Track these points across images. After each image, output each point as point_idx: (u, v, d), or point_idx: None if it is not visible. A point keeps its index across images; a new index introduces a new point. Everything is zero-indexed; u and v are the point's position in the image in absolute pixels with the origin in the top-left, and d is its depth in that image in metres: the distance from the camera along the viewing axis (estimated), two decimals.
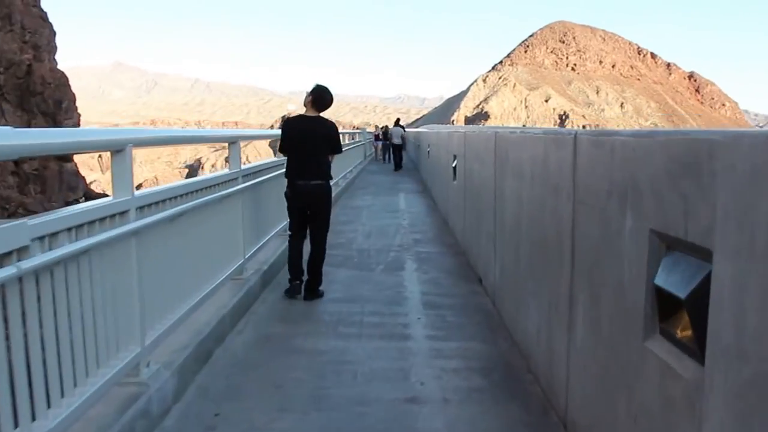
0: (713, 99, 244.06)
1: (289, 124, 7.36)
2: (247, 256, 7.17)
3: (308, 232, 7.32)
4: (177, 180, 6.80)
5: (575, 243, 3.75)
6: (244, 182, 7.07)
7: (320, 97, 7.15)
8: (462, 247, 9.81)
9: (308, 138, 7.06)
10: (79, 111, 29.20)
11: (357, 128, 66.08)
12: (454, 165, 11.00)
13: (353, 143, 27.27)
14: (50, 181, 24.32)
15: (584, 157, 3.63)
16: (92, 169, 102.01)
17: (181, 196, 5.16)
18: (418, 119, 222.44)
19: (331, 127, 7.31)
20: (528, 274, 5.14)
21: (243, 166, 7.25)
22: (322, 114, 7.22)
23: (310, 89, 7.27)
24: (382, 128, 43.88)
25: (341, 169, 19.26)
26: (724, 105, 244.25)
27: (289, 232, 7.43)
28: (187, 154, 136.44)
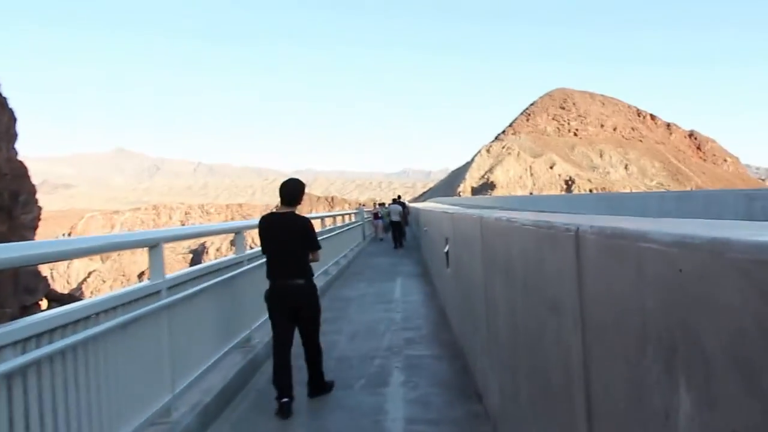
0: (715, 155, 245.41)
1: (261, 223, 7.12)
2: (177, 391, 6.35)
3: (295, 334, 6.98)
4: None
5: (591, 390, 2.53)
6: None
7: (288, 192, 7.04)
8: (460, 346, 8.45)
9: (282, 236, 6.91)
10: (39, 204, 27.28)
11: (361, 205, 63.12)
12: (446, 250, 9.73)
13: (347, 225, 25.66)
14: (4, 283, 22.05)
15: (593, 267, 2.44)
16: (92, 259, 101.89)
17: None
18: (424, 192, 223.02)
19: (302, 224, 7.02)
20: (529, 410, 3.83)
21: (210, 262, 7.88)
22: (296, 210, 7.11)
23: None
24: (380, 205, 42.65)
25: (330, 257, 17.77)
26: (726, 161, 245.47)
27: (272, 341, 6.95)
28: (191, 239, 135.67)
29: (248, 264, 8.62)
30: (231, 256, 8.60)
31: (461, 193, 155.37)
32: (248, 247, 9.11)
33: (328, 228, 19.71)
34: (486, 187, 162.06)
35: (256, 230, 7.14)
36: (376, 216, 38.62)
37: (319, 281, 14.33)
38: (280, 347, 6.78)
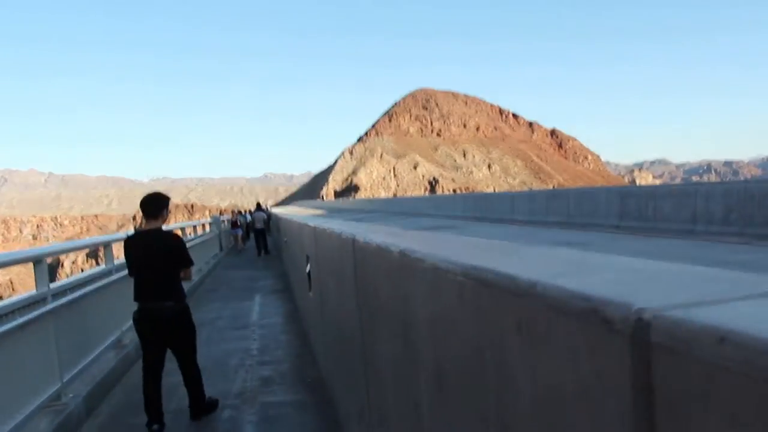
0: (576, 153, 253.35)
1: (126, 243, 6.76)
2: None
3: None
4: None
5: None
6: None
7: (149, 205, 6.64)
8: (328, 388, 6.90)
9: (148, 255, 6.51)
10: None
11: (221, 212, 59.62)
12: (308, 270, 8.09)
13: (201, 237, 23.18)
14: None
15: None
16: None
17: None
18: (286, 197, 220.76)
19: (169, 240, 6.64)
20: None
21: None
22: (161, 224, 6.71)
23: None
24: (238, 213, 40.13)
25: None
26: (586, 158, 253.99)
27: (143, 366, 6.54)
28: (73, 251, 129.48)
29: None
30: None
31: (324, 197, 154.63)
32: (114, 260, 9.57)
33: None
34: (350, 189, 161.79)
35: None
36: (234, 224, 35.20)
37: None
38: (151, 372, 6.45)
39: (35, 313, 6.21)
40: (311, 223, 7.41)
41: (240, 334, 11.14)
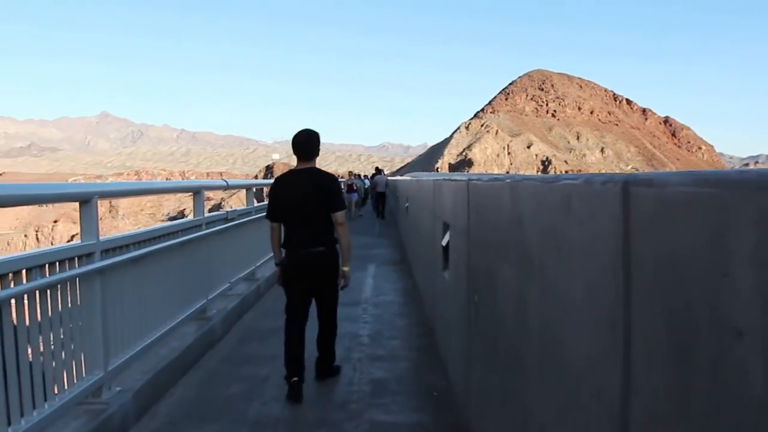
0: (689, 143, 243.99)
1: (277, 183, 6.12)
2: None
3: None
4: None
5: None
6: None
7: (302, 144, 5.95)
8: (462, 409, 4.84)
9: (300, 196, 5.83)
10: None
11: (340, 177, 55.86)
12: (445, 242, 6.08)
13: None
14: None
15: None
16: (75, 222, 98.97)
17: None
18: (402, 167, 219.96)
19: (326, 179, 6.02)
20: None
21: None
22: (315, 164, 6.06)
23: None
24: (355, 176, 36.81)
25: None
26: (700, 148, 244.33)
27: (285, 315, 5.98)
28: (171, 205, 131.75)
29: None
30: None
31: (439, 169, 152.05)
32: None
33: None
34: (463, 164, 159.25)
35: (235, 196, 5.02)
36: (350, 188, 30.48)
37: (267, 271, 10.80)
38: (294, 322, 5.92)
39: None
40: (459, 178, 5.33)
41: (349, 312, 8.50)
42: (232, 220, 8.97)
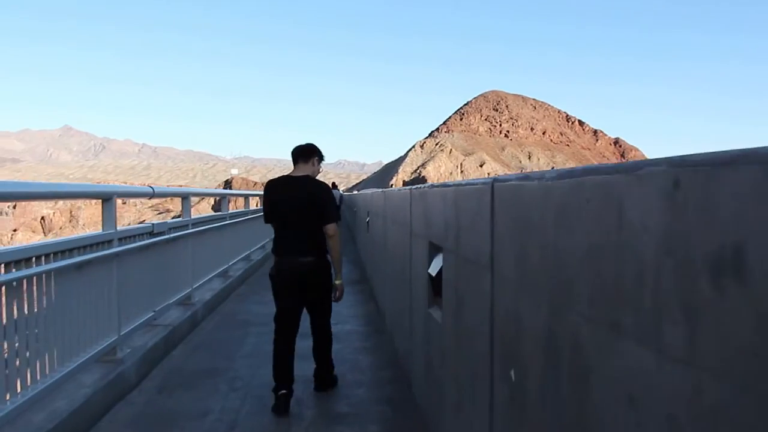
0: None
1: (270, 186, 5.83)
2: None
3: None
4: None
5: None
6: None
7: (303, 147, 5.79)
8: None
9: (293, 203, 5.56)
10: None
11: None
12: (435, 270, 4.28)
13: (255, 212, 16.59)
14: None
15: None
16: (35, 231, 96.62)
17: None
18: (357, 183, 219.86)
19: (320, 188, 5.71)
20: None
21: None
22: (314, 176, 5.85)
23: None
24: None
25: (235, 253, 12.26)
26: None
27: (275, 326, 5.67)
28: (131, 216, 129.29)
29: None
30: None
31: (393, 186, 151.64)
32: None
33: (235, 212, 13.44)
34: (417, 181, 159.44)
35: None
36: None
37: (207, 294, 9.79)
38: (284, 332, 5.59)
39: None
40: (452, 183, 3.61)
41: (299, 346, 5.85)
42: (160, 234, 7.50)
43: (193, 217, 9.23)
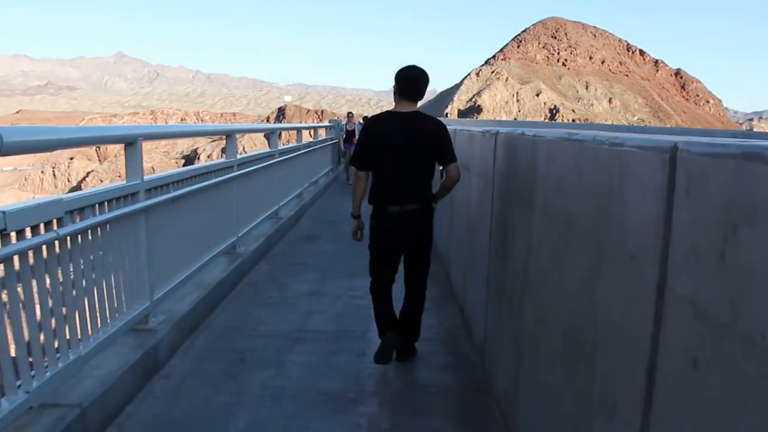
0: (698, 96, 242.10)
1: (373, 125, 5.04)
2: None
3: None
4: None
5: None
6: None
7: (414, 80, 4.88)
8: None
9: (402, 144, 4.80)
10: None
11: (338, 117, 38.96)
12: None
13: (313, 144, 16.27)
14: None
15: None
16: (90, 159, 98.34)
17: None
18: None
19: (438, 126, 4.95)
20: None
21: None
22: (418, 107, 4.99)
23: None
24: (363, 118, 23.48)
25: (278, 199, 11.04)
26: (708, 102, 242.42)
27: (371, 280, 5.21)
28: (184, 144, 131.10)
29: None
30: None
31: (448, 115, 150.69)
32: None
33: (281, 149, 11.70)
34: (473, 110, 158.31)
35: (247, 137, 4.58)
36: (349, 136, 19.74)
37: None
38: (379, 286, 5.13)
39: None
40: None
41: (344, 361, 5.20)
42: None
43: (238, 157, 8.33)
